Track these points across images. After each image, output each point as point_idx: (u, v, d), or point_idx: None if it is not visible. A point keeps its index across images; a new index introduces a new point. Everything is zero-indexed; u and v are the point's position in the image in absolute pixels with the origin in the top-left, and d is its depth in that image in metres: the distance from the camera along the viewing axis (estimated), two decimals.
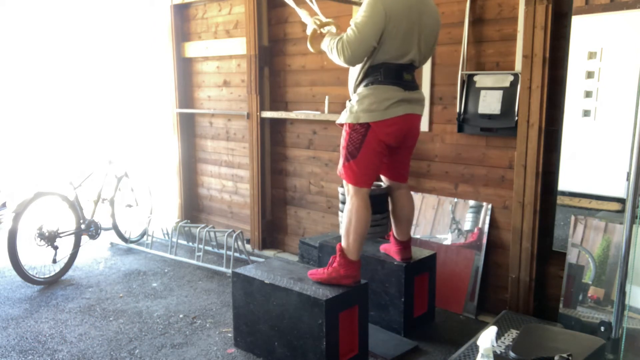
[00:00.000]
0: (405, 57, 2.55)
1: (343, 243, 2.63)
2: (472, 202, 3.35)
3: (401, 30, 2.48)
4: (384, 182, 2.98)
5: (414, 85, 2.66)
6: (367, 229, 2.62)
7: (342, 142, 2.64)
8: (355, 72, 2.66)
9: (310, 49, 2.82)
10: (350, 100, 2.65)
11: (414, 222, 3.44)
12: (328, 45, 2.58)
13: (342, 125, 2.66)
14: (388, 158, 2.75)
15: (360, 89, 2.60)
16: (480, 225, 3.29)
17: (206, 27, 4.91)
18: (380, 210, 2.98)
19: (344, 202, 2.98)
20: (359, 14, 2.47)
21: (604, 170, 2.82)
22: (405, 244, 2.96)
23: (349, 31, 2.46)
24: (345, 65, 2.57)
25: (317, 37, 2.77)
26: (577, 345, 2.30)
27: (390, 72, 2.54)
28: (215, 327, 3.15)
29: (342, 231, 2.65)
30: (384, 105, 2.52)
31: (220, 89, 4.90)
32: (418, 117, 2.70)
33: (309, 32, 2.82)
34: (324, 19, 2.81)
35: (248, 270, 2.82)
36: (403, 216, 2.93)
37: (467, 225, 3.35)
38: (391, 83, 2.54)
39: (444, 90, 3.39)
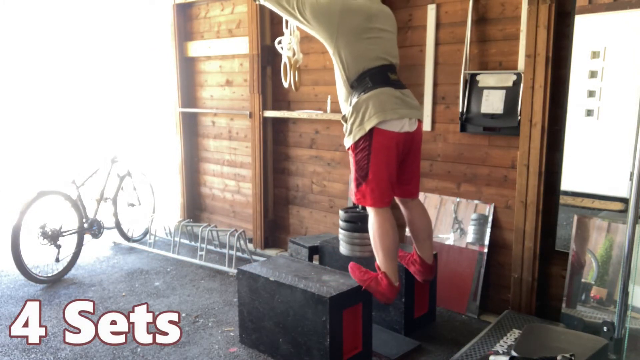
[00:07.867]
0: (382, 58, 2.55)
1: (377, 260, 2.60)
2: (474, 202, 3.35)
3: (364, 30, 2.53)
4: (397, 201, 2.85)
5: (403, 85, 2.63)
6: (394, 242, 2.56)
7: (352, 167, 2.59)
8: (342, 90, 2.62)
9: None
10: (346, 122, 2.57)
11: None
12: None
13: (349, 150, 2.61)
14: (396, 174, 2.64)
15: (354, 101, 2.54)
16: (482, 226, 3.29)
17: (209, 26, 4.92)
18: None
19: (343, 226, 2.92)
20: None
21: (607, 170, 2.81)
22: (431, 267, 2.84)
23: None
24: (298, 18, 2.64)
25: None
26: (580, 345, 2.30)
27: (376, 76, 2.51)
28: (218, 326, 3.15)
29: (373, 249, 2.62)
30: (382, 107, 2.46)
31: (223, 88, 4.90)
32: (419, 122, 2.67)
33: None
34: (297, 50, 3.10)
35: (253, 268, 2.84)
36: (421, 227, 2.80)
37: (469, 226, 3.35)
38: (382, 86, 2.50)
39: (446, 89, 3.40)
